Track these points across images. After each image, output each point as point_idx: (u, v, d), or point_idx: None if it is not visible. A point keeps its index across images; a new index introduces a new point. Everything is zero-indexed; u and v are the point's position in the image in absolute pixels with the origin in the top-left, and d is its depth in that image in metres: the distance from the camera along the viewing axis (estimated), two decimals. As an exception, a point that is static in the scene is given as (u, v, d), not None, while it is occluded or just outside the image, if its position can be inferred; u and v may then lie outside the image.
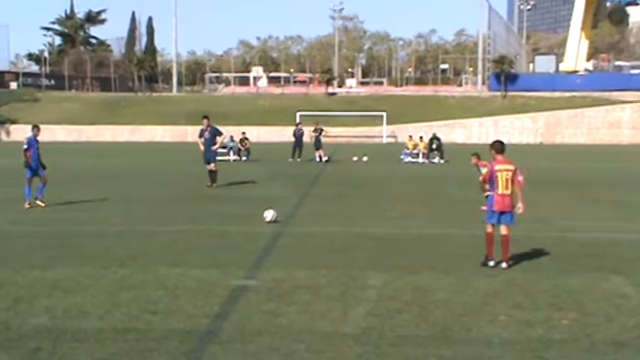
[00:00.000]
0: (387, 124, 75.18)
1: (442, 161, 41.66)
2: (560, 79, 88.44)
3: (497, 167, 11.93)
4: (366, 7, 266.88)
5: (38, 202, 19.49)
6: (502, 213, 11.89)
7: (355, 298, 9.77)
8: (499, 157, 12.03)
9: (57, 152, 42.04)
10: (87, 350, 7.62)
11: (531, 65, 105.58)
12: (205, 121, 26.06)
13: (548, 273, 11.51)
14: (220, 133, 25.99)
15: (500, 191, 11.86)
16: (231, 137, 44.72)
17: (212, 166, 25.75)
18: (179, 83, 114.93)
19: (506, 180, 11.85)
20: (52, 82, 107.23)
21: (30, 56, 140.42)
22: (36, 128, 20.40)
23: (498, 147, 12.14)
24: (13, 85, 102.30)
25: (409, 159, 43.24)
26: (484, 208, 17.63)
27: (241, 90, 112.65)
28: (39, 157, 19.81)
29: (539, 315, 9.09)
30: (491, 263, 11.88)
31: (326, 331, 8.35)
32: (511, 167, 11.95)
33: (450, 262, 12.33)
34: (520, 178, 12.03)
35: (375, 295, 9.97)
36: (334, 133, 67.92)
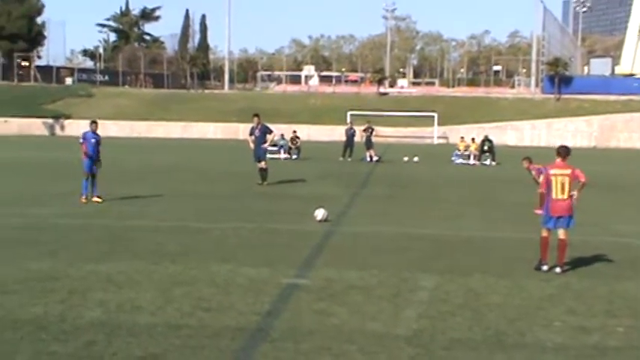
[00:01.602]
0: (439, 125, 74.72)
1: (494, 163, 41.24)
2: (616, 82, 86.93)
3: (552, 171, 11.78)
4: (419, 7, 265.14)
5: (95, 198, 19.68)
6: (559, 217, 11.73)
7: (407, 300, 9.70)
8: (558, 161, 11.87)
9: (110, 147, 42.39)
10: (140, 345, 7.67)
11: (586, 68, 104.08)
12: (256, 119, 26.11)
13: (604, 278, 11.32)
14: (270, 131, 26.03)
15: (555, 196, 11.70)
16: (282, 135, 44.79)
17: (262, 164, 25.81)
18: (231, 81, 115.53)
19: (562, 184, 11.68)
20: (106, 77, 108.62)
21: (85, 52, 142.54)
22: (94, 124, 20.60)
23: (562, 151, 11.99)
24: (69, 80, 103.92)
25: (460, 160, 42.89)
26: (538, 211, 17.46)
27: (293, 88, 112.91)
28: (98, 152, 20.01)
29: (594, 321, 8.93)
30: (545, 267, 11.71)
31: (378, 332, 8.30)
32: (567, 172, 11.77)
33: (503, 265, 12.18)
34: (583, 179, 11.83)
35: (427, 297, 9.89)
36: (385, 133, 67.64)
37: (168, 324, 8.40)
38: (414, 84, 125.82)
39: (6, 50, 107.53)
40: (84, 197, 19.55)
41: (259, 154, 25.83)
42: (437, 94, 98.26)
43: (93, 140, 19.94)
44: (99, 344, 7.65)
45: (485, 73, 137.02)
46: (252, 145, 26.02)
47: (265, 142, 25.78)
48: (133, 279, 10.51)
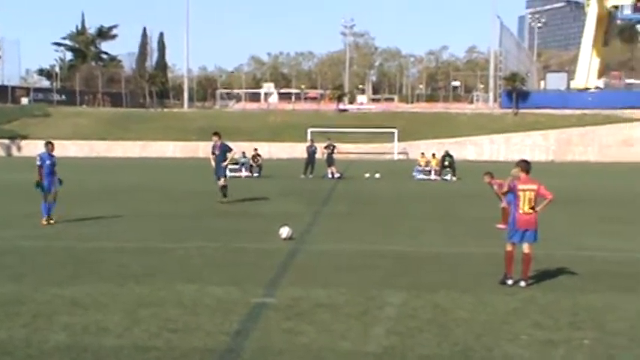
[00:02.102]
0: (399, 140, 75.21)
1: (454, 178, 41.56)
2: (571, 96, 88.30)
3: (520, 186, 11.93)
4: (377, 23, 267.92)
5: (50, 220, 19.47)
6: (525, 231, 11.87)
7: (375, 317, 9.74)
8: (523, 175, 12.03)
9: (68, 168, 42.10)
10: (108, 368, 7.61)
11: (542, 83, 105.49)
12: (215, 137, 26.22)
13: (568, 291, 11.47)
14: (230, 149, 26.10)
15: (522, 210, 11.85)
16: (243, 153, 44.77)
17: (222, 181, 25.83)
18: (190, 99, 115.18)
19: (529, 199, 11.84)
20: (63, 97, 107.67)
21: (41, 71, 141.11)
22: (50, 144, 20.39)
23: (524, 166, 12.14)
24: (24, 100, 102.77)
25: (421, 176, 43.17)
26: (500, 226, 17.68)
27: (252, 106, 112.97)
28: (54, 173, 19.80)
29: (560, 334, 9.04)
30: (510, 282, 11.83)
31: (347, 350, 8.32)
32: (534, 187, 11.94)
33: (468, 280, 12.28)
34: (549, 196, 11.97)
35: (394, 314, 9.94)
36: (346, 150, 67.89)
37: (135, 346, 8.35)
38: (374, 100, 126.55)
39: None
40: (44, 219, 19.33)
41: (219, 172, 25.87)
42: (396, 110, 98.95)
43: (48, 162, 19.71)
44: (66, 368, 7.57)
45: (444, 88, 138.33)
46: (213, 164, 26.07)
47: (225, 160, 25.83)
48: (98, 301, 10.42)
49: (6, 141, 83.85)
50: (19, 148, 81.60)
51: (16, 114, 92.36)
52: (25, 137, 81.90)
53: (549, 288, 11.74)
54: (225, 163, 25.88)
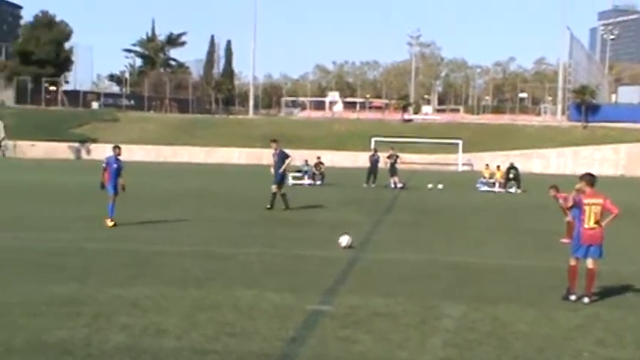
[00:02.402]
0: (463, 152, 74.56)
1: (519, 191, 41.00)
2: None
3: (585, 201, 11.66)
4: (444, 33, 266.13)
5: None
6: (590, 246, 11.60)
7: (433, 328, 9.62)
8: (588, 189, 11.77)
9: (135, 172, 42.73)
10: (165, 370, 7.66)
11: (614, 96, 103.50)
12: (274, 144, 26.39)
13: (634, 309, 11.18)
14: (287, 156, 26.18)
15: (587, 225, 11.58)
16: (306, 161, 44.88)
17: (274, 187, 25.94)
18: (255, 106, 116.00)
19: (595, 214, 11.57)
20: (132, 102, 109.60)
21: (111, 77, 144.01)
22: (117, 148, 20.71)
23: (589, 180, 11.87)
24: (95, 105, 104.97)
25: (485, 188, 42.68)
26: (565, 240, 17.34)
27: (317, 114, 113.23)
28: (118, 177, 20.09)
29: (624, 353, 8.81)
30: (573, 297, 11.58)
31: (404, 360, 8.24)
32: (599, 201, 11.67)
33: (530, 294, 12.06)
34: (615, 211, 11.70)
35: (453, 326, 9.80)
36: (409, 160, 67.52)
37: (193, 349, 8.38)
38: (439, 111, 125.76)
39: (34, 75, 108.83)
40: (109, 220, 19.62)
41: (277, 179, 25.95)
42: (462, 121, 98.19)
43: (115, 166, 20.02)
44: (124, 369, 7.64)
45: (510, 100, 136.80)
46: (272, 170, 26.19)
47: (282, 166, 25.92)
48: (158, 304, 10.51)
49: (76, 144, 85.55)
50: (88, 152, 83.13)
51: (87, 118, 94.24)
52: (94, 141, 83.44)
53: (614, 305, 11.45)
54: (280, 170, 25.96)
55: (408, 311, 10.48)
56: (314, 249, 16.68)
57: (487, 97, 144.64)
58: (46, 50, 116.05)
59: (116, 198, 19.91)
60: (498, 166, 44.82)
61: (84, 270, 13.05)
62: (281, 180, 26.13)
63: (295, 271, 13.64)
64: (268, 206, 25.72)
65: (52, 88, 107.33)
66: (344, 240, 16.71)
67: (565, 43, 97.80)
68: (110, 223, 19.56)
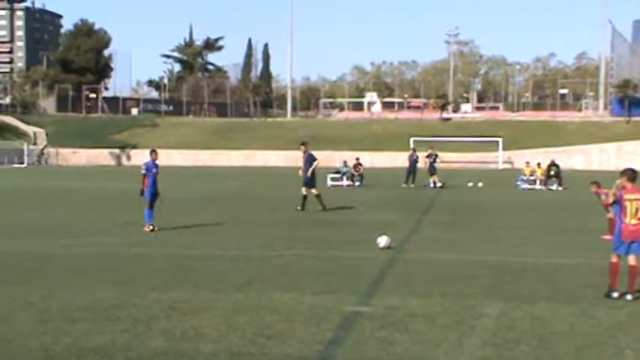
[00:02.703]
0: (503, 149, 74.06)
1: (560, 188, 40.60)
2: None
3: (627, 196, 11.47)
4: (482, 31, 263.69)
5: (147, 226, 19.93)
6: (632, 242, 11.42)
7: (471, 328, 9.54)
8: (629, 185, 11.58)
9: (174, 176, 43.12)
10: (202, 373, 7.68)
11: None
12: (303, 147, 26.65)
13: (677, 306, 10.98)
14: (315, 159, 26.36)
15: (629, 220, 11.40)
16: (345, 162, 44.89)
17: (304, 190, 26.14)
18: (293, 108, 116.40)
19: (637, 209, 11.38)
20: (171, 107, 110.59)
21: (150, 83, 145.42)
22: (154, 152, 20.86)
23: (630, 175, 11.67)
24: (134, 111, 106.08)
25: (526, 185, 42.32)
26: (606, 237, 17.12)
27: (355, 115, 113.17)
28: (156, 182, 20.26)
29: (667, 350, 8.64)
30: (615, 294, 11.40)
31: (441, 360, 8.18)
32: None
33: (571, 292, 11.91)
34: None
35: (491, 325, 9.71)
36: (449, 159, 67.23)
37: (230, 352, 8.41)
38: (478, 109, 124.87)
39: (75, 83, 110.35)
40: (147, 226, 19.78)
41: (306, 181, 26.13)
42: (501, 118, 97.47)
43: (154, 170, 20.20)
44: (162, 373, 7.68)
45: (551, 96, 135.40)
46: (300, 173, 26.28)
47: (310, 169, 26.17)
48: (196, 307, 10.57)
49: (116, 150, 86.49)
50: (128, 157, 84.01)
51: (127, 124, 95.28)
52: (134, 147, 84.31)
53: (657, 301, 11.27)
54: (309, 173, 26.06)
55: (446, 311, 10.42)
56: (352, 250, 16.66)
57: (527, 94, 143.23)
58: (86, 58, 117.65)
59: (154, 204, 20.05)
60: (539, 164, 44.41)
61: (123, 275, 13.17)
62: (310, 182, 26.24)
63: (333, 272, 13.62)
64: (299, 208, 25.90)
65: (92, 95, 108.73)
66: (382, 241, 16.67)
67: (607, 36, 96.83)
68: (148, 229, 19.70)
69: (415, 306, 10.70)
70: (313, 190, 26.37)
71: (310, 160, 26.27)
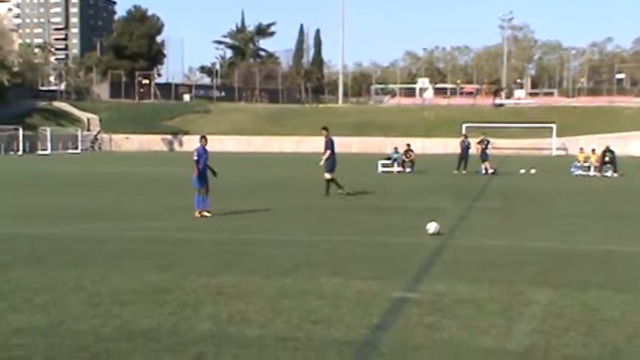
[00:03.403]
0: (557, 135, 73.12)
1: (615, 175, 39.92)
2: None
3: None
4: (537, 15, 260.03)
5: (205, 212, 20.01)
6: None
7: (519, 314, 9.43)
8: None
9: (226, 162, 43.37)
10: (248, 357, 7.70)
11: None
12: (324, 131, 26.84)
13: None
14: (330, 145, 26.55)
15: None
16: (395, 149, 44.72)
17: (327, 175, 26.42)
18: (345, 94, 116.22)
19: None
20: (223, 93, 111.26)
21: (202, 69, 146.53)
22: (204, 139, 20.98)
23: None
24: (187, 97, 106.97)
25: (580, 172, 41.72)
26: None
27: (407, 101, 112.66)
28: (207, 166, 20.38)
29: None
30: (669, 283, 11.19)
31: (488, 347, 8.09)
32: None
33: (623, 279, 11.69)
34: None
35: (540, 312, 9.58)
36: (501, 145, 66.60)
37: (276, 336, 8.42)
38: (532, 94, 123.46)
39: (128, 69, 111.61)
40: (197, 212, 19.91)
41: (328, 166, 26.52)
42: (556, 104, 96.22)
43: (205, 156, 20.32)
44: (208, 356, 7.72)
45: (607, 81, 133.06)
46: (323, 158, 26.72)
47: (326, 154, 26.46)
48: (243, 292, 10.61)
49: (169, 136, 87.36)
50: (180, 144, 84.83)
51: (179, 110, 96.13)
52: (186, 133, 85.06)
53: None
54: (326, 157, 26.39)
55: (494, 298, 10.31)
56: (401, 236, 16.59)
57: (582, 79, 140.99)
58: (139, 44, 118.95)
59: (203, 190, 20.14)
60: (593, 150, 43.72)
61: (172, 259, 13.29)
62: (332, 167, 26.44)
63: (381, 258, 13.57)
64: (324, 193, 26.19)
65: (145, 81, 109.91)
66: (431, 227, 16.57)
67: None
68: (199, 215, 19.82)
69: (463, 292, 10.60)
70: (327, 175, 26.54)
71: (331, 145, 26.43)
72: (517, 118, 79.12)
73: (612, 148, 42.73)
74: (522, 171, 42.36)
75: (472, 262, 13.21)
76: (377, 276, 11.75)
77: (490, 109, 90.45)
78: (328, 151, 26.42)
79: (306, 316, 9.23)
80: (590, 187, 32.52)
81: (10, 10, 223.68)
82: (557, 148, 73.08)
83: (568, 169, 42.63)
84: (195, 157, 20.38)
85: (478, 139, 42.75)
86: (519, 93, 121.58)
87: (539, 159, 58.96)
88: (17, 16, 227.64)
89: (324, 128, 27.15)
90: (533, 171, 41.89)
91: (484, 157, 41.77)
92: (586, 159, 43.00)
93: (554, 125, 72.55)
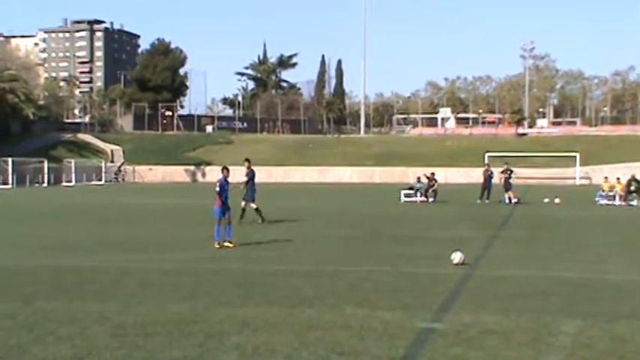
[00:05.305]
0: (581, 165, 72.72)
1: (641, 204, 39.58)
2: None
3: None
4: (559, 45, 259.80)
5: (227, 243, 19.98)
6: None
7: (547, 345, 9.30)
8: None
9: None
10: (273, 389, 7.65)
11: None
12: (246, 163, 27.62)
13: None
14: (251, 175, 27.45)
15: None
16: (418, 178, 44.56)
17: (252, 205, 27.38)
18: (367, 125, 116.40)
19: None
20: (245, 124, 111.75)
21: (225, 100, 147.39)
22: (226, 170, 21.03)
23: None
24: (209, 128, 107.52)
25: (605, 201, 41.41)
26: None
27: (429, 131, 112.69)
28: (227, 198, 20.41)
29: None
30: (699, 313, 11.01)
31: (517, 379, 7.99)
32: None
33: (652, 310, 11.53)
34: None
35: (568, 343, 9.45)
36: (524, 175, 66.29)
37: (302, 368, 8.35)
38: (555, 124, 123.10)
39: (151, 101, 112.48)
40: (217, 243, 19.87)
41: (249, 196, 27.40)
42: (579, 133, 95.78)
43: (226, 187, 20.33)
44: (233, 387, 7.67)
45: (630, 110, 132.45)
46: (242, 187, 27.31)
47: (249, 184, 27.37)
48: (268, 323, 10.55)
49: (191, 167, 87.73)
50: (203, 174, 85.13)
51: (201, 141, 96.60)
52: (209, 164, 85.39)
53: None
54: (242, 187, 27.10)
55: (522, 328, 10.18)
56: (425, 266, 16.48)
57: (605, 108, 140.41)
58: (162, 76, 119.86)
59: (223, 220, 20.13)
60: (618, 179, 43.42)
61: (196, 290, 13.26)
62: (253, 196, 27.48)
63: (406, 288, 13.47)
64: (241, 220, 26.53)
65: (168, 113, 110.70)
66: (456, 257, 16.46)
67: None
68: (218, 246, 19.76)
69: (489, 323, 10.49)
70: (252, 204, 27.38)
71: (252, 175, 27.28)
72: (540, 147, 78.87)
73: (638, 177, 42.40)
74: (546, 200, 42.10)
75: (498, 292, 13.09)
76: (402, 306, 11.66)
77: (513, 139, 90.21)
78: (245, 179, 27.28)
79: (332, 348, 9.15)
80: (616, 216, 32.23)
81: (36, 44, 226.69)
82: (581, 177, 72.67)
83: (592, 199, 42.33)
84: (218, 189, 20.41)
85: (501, 169, 42.61)
86: (542, 122, 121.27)
87: (562, 188, 58.60)
88: (43, 50, 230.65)
89: (246, 160, 27.98)
90: (557, 200, 41.62)
91: (507, 186, 41.59)
92: (611, 188, 42.69)
93: (577, 154, 72.19)
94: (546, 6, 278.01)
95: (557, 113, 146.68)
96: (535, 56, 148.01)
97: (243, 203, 27.23)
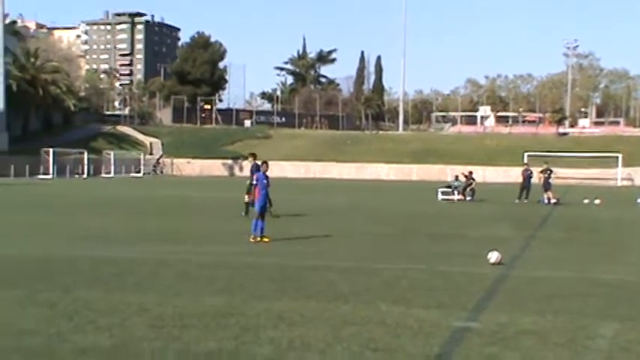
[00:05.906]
0: (623, 165, 71.80)
1: (684, 206, 39.03)
2: None
3: None
4: (603, 44, 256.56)
5: (265, 238, 20.00)
6: None
7: (584, 347, 9.23)
8: None
9: (285, 188, 43.56)
10: (308, 383, 7.68)
11: None
12: (251, 157, 27.55)
13: None
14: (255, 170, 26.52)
15: None
16: (456, 177, 44.35)
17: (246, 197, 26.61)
18: (405, 122, 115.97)
19: None
20: (283, 119, 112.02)
21: (263, 95, 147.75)
22: (264, 164, 21.11)
23: None
24: (248, 122, 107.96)
25: (646, 203, 40.89)
26: None
27: (468, 129, 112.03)
28: (267, 194, 20.45)
29: None
30: None
31: (552, 380, 7.94)
32: None
33: (692, 314, 11.38)
34: None
35: (606, 346, 9.37)
36: (564, 175, 65.62)
37: (336, 363, 8.38)
38: (597, 123, 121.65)
39: (190, 95, 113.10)
40: (252, 237, 19.91)
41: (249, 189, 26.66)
42: (622, 133, 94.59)
43: (265, 182, 20.36)
44: (268, 381, 7.72)
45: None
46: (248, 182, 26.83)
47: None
48: (304, 317, 10.59)
49: (229, 161, 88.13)
50: (241, 168, 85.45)
51: (240, 135, 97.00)
52: (246, 158, 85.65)
53: None
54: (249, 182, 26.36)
55: (558, 329, 10.11)
56: (462, 265, 16.42)
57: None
58: (202, 70, 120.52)
59: (263, 215, 20.14)
60: (660, 180, 42.86)
61: (232, 283, 13.34)
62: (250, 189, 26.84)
63: (442, 287, 13.43)
64: (243, 214, 26.47)
65: (207, 106, 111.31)
66: (493, 256, 16.37)
67: None
68: (254, 240, 19.79)
69: (526, 323, 10.42)
70: (246, 197, 26.80)
71: (252, 170, 26.53)
72: (581, 147, 78.02)
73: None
74: (586, 201, 41.68)
75: (535, 293, 13.00)
76: (438, 305, 11.63)
77: (553, 138, 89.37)
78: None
79: (366, 344, 9.16)
80: (657, 218, 31.83)
81: (78, 36, 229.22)
82: (623, 179, 71.80)
83: (634, 200, 41.80)
84: (255, 182, 20.51)
85: (541, 169, 42.26)
86: (584, 122, 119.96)
87: (603, 189, 57.97)
88: (85, 42, 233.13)
89: (251, 154, 27.99)
90: (597, 201, 41.18)
91: (547, 186, 41.24)
92: (653, 190, 42.16)
93: (619, 155, 71.33)
94: (591, 3, 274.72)
95: (600, 113, 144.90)
96: (579, 55, 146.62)
97: (246, 197, 26.91)
